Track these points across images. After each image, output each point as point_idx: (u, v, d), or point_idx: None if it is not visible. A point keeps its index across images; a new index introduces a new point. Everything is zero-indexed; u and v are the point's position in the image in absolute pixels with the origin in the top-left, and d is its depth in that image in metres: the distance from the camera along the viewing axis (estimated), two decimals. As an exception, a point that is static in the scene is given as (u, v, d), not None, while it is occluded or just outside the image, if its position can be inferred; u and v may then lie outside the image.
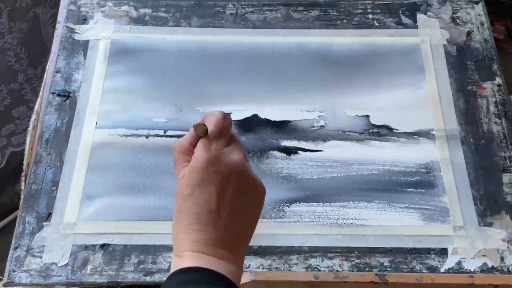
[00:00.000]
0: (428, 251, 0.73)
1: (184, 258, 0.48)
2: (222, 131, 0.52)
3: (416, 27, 0.93)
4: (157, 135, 0.83)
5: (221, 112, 0.53)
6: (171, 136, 0.83)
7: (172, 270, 0.48)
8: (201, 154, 0.50)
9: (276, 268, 0.72)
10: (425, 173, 0.79)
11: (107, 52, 0.90)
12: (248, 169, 0.52)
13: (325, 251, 0.73)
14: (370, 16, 0.94)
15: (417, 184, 0.79)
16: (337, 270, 0.72)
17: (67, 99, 0.86)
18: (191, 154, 0.51)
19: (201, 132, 0.51)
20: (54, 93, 0.86)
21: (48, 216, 0.76)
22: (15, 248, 0.74)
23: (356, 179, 0.79)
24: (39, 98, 0.88)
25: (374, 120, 0.84)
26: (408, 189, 0.78)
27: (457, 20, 0.94)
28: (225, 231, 0.49)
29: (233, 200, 0.50)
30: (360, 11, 0.95)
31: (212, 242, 0.49)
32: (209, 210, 0.49)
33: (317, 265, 0.72)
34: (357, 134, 0.83)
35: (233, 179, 0.50)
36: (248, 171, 0.52)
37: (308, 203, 0.77)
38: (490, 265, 0.72)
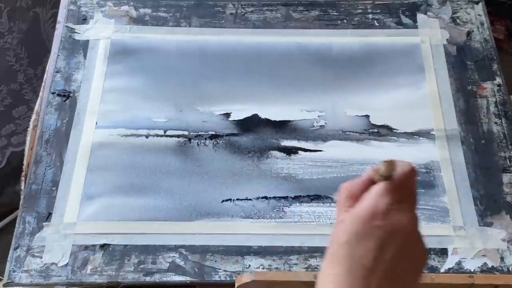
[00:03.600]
0: (428, 251, 0.73)
1: None
2: (405, 183, 0.46)
3: (416, 27, 0.93)
4: (157, 135, 0.83)
5: (411, 164, 0.47)
6: (171, 136, 0.83)
7: None
8: (369, 203, 0.45)
9: (276, 268, 0.72)
10: (425, 173, 0.79)
11: (107, 52, 0.90)
12: (418, 232, 0.47)
13: (325, 251, 0.73)
14: (370, 16, 0.94)
15: (417, 184, 0.78)
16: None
17: (67, 99, 0.86)
18: (357, 199, 0.46)
19: (386, 171, 0.45)
20: (54, 93, 0.86)
21: (48, 216, 0.76)
22: (15, 248, 0.73)
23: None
24: (39, 98, 0.88)
25: (374, 120, 0.84)
26: (408, 189, 0.78)
27: (457, 20, 0.94)
28: None
29: (392, 262, 0.44)
30: (360, 11, 0.95)
31: None
32: (363, 265, 0.44)
33: (317, 265, 0.72)
34: (357, 134, 0.83)
35: (397, 239, 0.45)
36: (417, 235, 0.47)
37: (308, 203, 0.77)
38: (490, 265, 0.72)
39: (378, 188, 0.45)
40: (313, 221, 0.76)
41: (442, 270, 0.72)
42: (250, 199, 0.77)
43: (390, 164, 0.45)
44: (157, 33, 0.92)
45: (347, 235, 0.45)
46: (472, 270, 0.72)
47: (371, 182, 0.46)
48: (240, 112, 0.85)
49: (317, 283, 0.46)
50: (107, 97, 0.86)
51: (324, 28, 0.93)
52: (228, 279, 0.71)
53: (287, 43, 0.91)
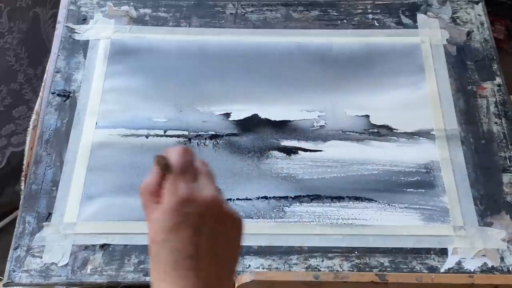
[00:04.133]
0: (428, 251, 0.73)
1: None
2: (185, 166, 0.48)
3: (416, 27, 0.93)
4: (157, 135, 0.83)
5: (180, 146, 0.50)
6: (171, 136, 0.83)
7: None
8: (171, 196, 0.47)
9: (276, 268, 0.72)
10: (425, 173, 0.79)
11: (107, 52, 0.90)
12: (224, 203, 0.48)
13: (325, 251, 0.73)
14: (370, 16, 0.94)
15: (417, 184, 0.79)
16: (337, 270, 0.72)
17: (67, 99, 0.86)
18: (160, 194, 0.48)
19: (162, 166, 0.48)
20: (54, 93, 0.86)
21: (48, 216, 0.76)
22: (15, 248, 0.73)
23: (356, 179, 0.79)
24: (39, 98, 0.88)
25: (374, 120, 0.84)
26: (408, 189, 0.78)
27: (457, 20, 0.94)
28: (207, 276, 0.46)
29: (211, 240, 0.47)
30: (360, 11, 0.95)
31: (194, 286, 0.45)
32: (187, 255, 0.46)
33: (317, 265, 0.72)
34: (357, 134, 0.83)
35: (209, 216, 0.47)
36: (224, 206, 0.48)
37: (308, 203, 0.77)
38: (490, 265, 0.72)
39: (171, 181, 0.47)
40: (313, 221, 0.76)
41: (442, 270, 0.72)
42: (250, 199, 0.77)
43: (161, 159, 0.47)
44: (157, 33, 0.92)
45: (164, 232, 0.46)
46: (472, 270, 0.72)
47: (164, 175, 0.48)
48: (240, 112, 0.85)
49: (151, 285, 0.47)
50: (107, 97, 0.86)
51: (324, 28, 0.93)
52: (228, 279, 0.71)
53: (287, 43, 0.91)
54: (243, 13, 0.95)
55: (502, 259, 0.73)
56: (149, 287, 0.71)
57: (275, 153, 0.82)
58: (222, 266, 0.48)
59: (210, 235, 0.47)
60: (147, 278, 0.71)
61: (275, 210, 0.76)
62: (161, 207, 0.47)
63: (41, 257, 0.73)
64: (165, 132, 0.83)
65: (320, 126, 0.84)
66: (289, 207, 0.77)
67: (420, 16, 0.94)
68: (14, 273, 0.72)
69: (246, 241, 0.73)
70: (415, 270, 0.72)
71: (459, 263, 0.72)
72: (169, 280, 0.46)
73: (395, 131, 0.84)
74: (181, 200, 0.46)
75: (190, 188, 0.47)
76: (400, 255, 0.73)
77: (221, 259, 0.48)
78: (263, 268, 0.72)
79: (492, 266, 0.72)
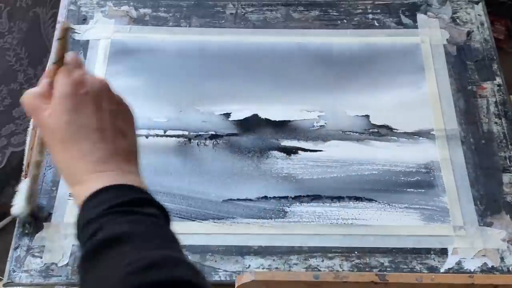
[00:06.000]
0: (428, 251, 0.73)
1: (87, 183, 0.47)
2: (78, 63, 0.53)
3: (416, 27, 0.93)
4: (157, 135, 0.83)
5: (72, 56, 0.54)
6: (171, 136, 0.83)
7: (79, 198, 0.47)
8: (65, 80, 0.51)
9: (276, 268, 0.72)
10: (425, 173, 0.79)
11: (107, 52, 0.90)
12: (112, 90, 0.53)
13: (325, 251, 0.73)
14: (370, 16, 0.94)
15: (417, 184, 0.79)
16: (337, 270, 0.72)
17: (67, 99, 0.86)
18: (49, 96, 0.51)
19: (56, 56, 0.53)
20: (54, 93, 0.86)
21: (48, 216, 0.76)
22: (15, 248, 0.73)
23: (356, 179, 0.79)
24: (39, 98, 0.87)
25: (374, 120, 0.84)
26: (408, 189, 0.78)
27: (457, 20, 0.94)
28: (115, 145, 0.50)
29: (112, 117, 0.51)
30: (360, 11, 0.95)
31: (108, 157, 0.49)
32: (94, 129, 0.49)
33: (317, 265, 0.72)
34: (357, 134, 0.83)
35: (104, 96, 0.51)
36: (114, 90, 0.53)
37: (308, 203, 0.77)
38: (490, 265, 0.72)
39: (64, 68, 0.52)
40: (313, 221, 0.76)
41: (442, 270, 0.72)
42: (250, 199, 0.77)
43: (59, 49, 0.53)
44: (157, 33, 0.92)
45: (66, 114, 0.49)
46: (472, 270, 0.72)
47: (51, 83, 0.52)
48: (240, 112, 0.85)
49: (63, 175, 0.51)
50: (107, 97, 0.86)
51: (324, 28, 0.93)
52: (228, 279, 0.71)
53: (287, 43, 0.91)
54: (243, 13, 0.95)
55: (502, 259, 0.73)
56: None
57: (275, 153, 0.82)
58: (125, 137, 0.51)
59: (110, 110, 0.51)
60: (147, 278, 0.71)
61: (275, 210, 0.76)
62: (54, 100, 0.50)
63: (41, 257, 0.73)
64: (165, 132, 0.83)
65: (320, 126, 0.84)
66: (289, 207, 0.77)
67: (420, 16, 0.94)
68: (14, 273, 0.72)
69: (246, 241, 0.74)
70: (415, 270, 0.72)
71: (459, 263, 0.72)
72: (82, 155, 0.48)
73: (395, 131, 0.84)
74: (74, 82, 0.50)
75: (80, 73, 0.51)
76: (400, 255, 0.73)
77: (122, 131, 0.51)
78: (263, 268, 0.72)
79: (492, 266, 0.72)
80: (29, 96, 0.52)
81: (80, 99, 0.50)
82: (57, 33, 0.53)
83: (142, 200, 0.47)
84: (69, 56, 0.53)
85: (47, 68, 0.56)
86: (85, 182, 0.47)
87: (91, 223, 0.44)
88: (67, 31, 0.54)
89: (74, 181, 0.49)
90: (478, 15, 0.94)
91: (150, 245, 0.43)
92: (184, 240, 0.73)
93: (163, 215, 0.47)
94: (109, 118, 0.50)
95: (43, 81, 0.53)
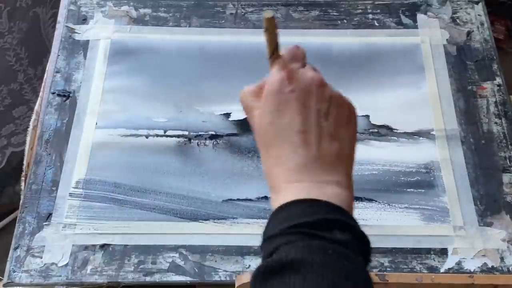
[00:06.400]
0: (428, 251, 0.73)
1: (281, 193, 0.43)
2: (296, 55, 0.47)
3: (416, 27, 0.93)
4: (157, 135, 0.83)
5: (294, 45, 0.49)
6: (171, 136, 0.83)
7: (274, 208, 0.43)
8: (273, 76, 0.45)
9: (276, 268, 0.72)
10: (425, 173, 0.79)
11: (107, 52, 0.90)
12: (329, 85, 0.46)
13: (325, 251, 0.73)
14: (370, 16, 0.94)
15: (417, 184, 0.79)
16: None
17: (67, 99, 0.86)
18: (260, 94, 0.46)
19: (269, 21, 0.46)
20: (54, 93, 0.86)
21: (48, 216, 0.76)
22: (15, 248, 0.73)
23: (356, 179, 0.78)
24: (39, 98, 0.88)
25: (374, 120, 0.84)
26: (408, 189, 0.78)
27: (457, 20, 0.94)
28: (318, 149, 0.43)
29: (320, 115, 0.44)
30: (360, 11, 0.95)
31: (306, 164, 0.43)
32: (297, 131, 0.43)
33: (317, 265, 0.72)
34: (357, 134, 0.83)
35: (314, 93, 0.45)
36: (330, 87, 0.46)
37: (308, 203, 0.77)
38: (490, 265, 0.72)
39: (276, 64, 0.47)
40: (313, 221, 0.76)
41: (442, 270, 0.72)
42: (250, 199, 0.77)
43: (268, 41, 0.48)
44: (157, 33, 0.92)
45: (268, 115, 0.45)
46: (472, 270, 0.72)
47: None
48: (240, 112, 0.85)
49: (266, 180, 0.46)
50: (107, 97, 0.86)
51: (324, 28, 0.93)
52: (228, 279, 0.71)
53: (287, 43, 0.91)
54: (243, 13, 0.95)
55: (502, 259, 0.73)
56: (149, 287, 0.72)
57: (275, 153, 0.81)
58: (337, 140, 0.45)
59: (318, 110, 0.44)
60: (147, 278, 0.71)
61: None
62: (264, 93, 0.45)
63: (41, 257, 0.73)
64: (165, 132, 0.83)
65: (320, 126, 0.84)
66: (289, 207, 0.77)
67: (420, 16, 0.94)
68: (14, 273, 0.72)
69: (246, 241, 0.74)
70: (415, 270, 0.72)
71: (459, 263, 0.72)
72: (280, 161, 0.44)
73: (395, 131, 0.84)
74: (284, 78, 0.45)
75: (293, 68, 0.46)
76: (400, 255, 0.73)
77: (334, 134, 0.45)
78: (263, 268, 0.72)
79: (492, 266, 0.72)
80: (242, 94, 0.48)
81: (285, 98, 0.44)
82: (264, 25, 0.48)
83: (332, 222, 0.40)
84: (286, 49, 0.48)
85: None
86: (280, 191, 0.43)
87: (271, 240, 0.40)
88: (271, 21, 0.48)
89: (272, 189, 0.45)
90: (478, 15, 0.94)
91: (322, 279, 0.37)
92: (184, 240, 0.74)
93: (356, 243, 0.40)
94: (315, 118, 0.44)
95: (255, 84, 0.48)
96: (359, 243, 0.40)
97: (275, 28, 0.47)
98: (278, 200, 0.43)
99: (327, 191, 0.42)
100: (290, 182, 0.43)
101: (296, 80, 0.45)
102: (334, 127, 0.45)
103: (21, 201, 0.78)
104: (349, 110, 0.47)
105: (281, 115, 0.44)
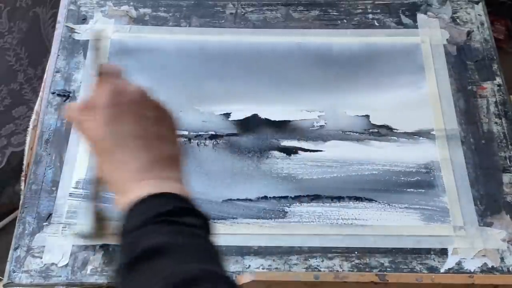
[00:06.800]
0: (428, 251, 0.73)
1: (129, 192, 0.47)
2: (115, 71, 0.53)
3: (416, 27, 0.93)
4: (157, 135, 0.83)
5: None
6: (171, 136, 0.83)
7: (122, 209, 0.47)
8: (102, 90, 0.50)
9: (276, 268, 0.72)
10: (425, 173, 0.79)
11: (107, 52, 0.90)
12: (151, 97, 0.52)
13: (325, 251, 0.73)
14: (370, 16, 0.94)
15: (417, 184, 0.79)
16: (337, 270, 0.72)
17: (67, 99, 0.86)
18: (89, 108, 0.51)
19: (100, 70, 0.53)
20: (54, 93, 0.86)
21: (48, 216, 0.76)
22: (15, 249, 0.73)
23: (356, 179, 0.79)
24: (39, 98, 0.88)
25: (374, 120, 0.84)
26: (408, 189, 0.78)
27: (457, 20, 0.94)
28: (156, 152, 0.49)
29: (153, 121, 0.50)
30: (360, 11, 0.95)
31: (148, 166, 0.48)
32: (135, 136, 0.49)
33: (317, 265, 0.72)
34: (357, 134, 0.83)
35: (145, 104, 0.51)
36: (153, 99, 0.52)
37: (308, 203, 0.77)
38: (490, 265, 0.72)
39: (101, 79, 0.52)
40: (313, 221, 0.76)
41: (442, 270, 0.72)
42: (250, 199, 0.77)
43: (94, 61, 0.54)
44: (157, 33, 0.92)
45: (104, 127, 0.49)
46: (472, 270, 0.72)
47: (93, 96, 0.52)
48: (240, 112, 0.85)
49: (109, 186, 0.51)
50: (107, 97, 0.86)
51: (324, 28, 0.93)
52: (228, 279, 0.71)
53: (287, 43, 0.91)
54: (243, 13, 0.95)
55: (502, 259, 0.73)
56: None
57: (275, 153, 0.82)
58: (168, 144, 0.51)
59: (152, 119, 0.50)
60: (147, 278, 0.71)
61: (275, 210, 0.76)
62: (94, 112, 0.50)
63: (41, 258, 0.73)
64: (165, 132, 0.83)
65: (320, 126, 0.84)
66: (289, 207, 0.77)
67: (420, 16, 0.94)
68: (14, 274, 0.72)
69: (246, 241, 0.74)
70: (415, 270, 0.72)
71: (459, 263, 0.72)
72: (124, 163, 0.48)
73: (395, 131, 0.84)
74: (114, 90, 0.50)
75: (118, 83, 0.51)
76: (400, 255, 0.73)
77: (165, 138, 0.51)
78: (263, 268, 0.72)
79: (492, 266, 0.72)
80: (70, 110, 0.52)
81: (119, 109, 0.49)
82: (91, 44, 0.55)
83: (182, 209, 0.46)
84: (105, 67, 0.53)
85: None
86: (127, 191, 0.47)
87: (131, 233, 0.44)
88: (98, 41, 0.55)
89: (117, 190, 0.49)
90: (478, 15, 0.94)
91: (189, 258, 0.42)
92: (184, 240, 0.74)
93: (204, 225, 0.47)
94: (151, 125, 0.50)
95: (81, 100, 0.53)
96: (205, 223, 0.47)
97: (101, 48, 0.54)
98: (127, 197, 0.47)
99: (171, 186, 0.48)
100: (136, 181, 0.47)
101: (127, 93, 0.50)
102: (166, 132, 0.51)
103: (21, 201, 0.78)
104: (172, 117, 0.53)
105: (118, 124, 0.49)
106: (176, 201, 0.46)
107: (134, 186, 0.47)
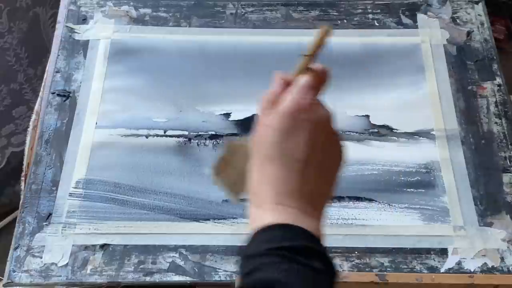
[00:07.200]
0: (428, 251, 0.73)
1: (266, 211, 0.44)
2: (321, 81, 0.49)
3: (416, 27, 0.93)
4: (157, 135, 0.83)
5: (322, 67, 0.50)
6: (171, 136, 0.83)
7: (253, 222, 0.44)
8: (293, 98, 0.46)
9: (276, 268, 0.72)
10: (425, 173, 0.79)
11: (107, 52, 0.90)
12: (334, 126, 0.48)
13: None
14: (370, 16, 0.94)
15: (417, 184, 0.79)
16: (337, 270, 0.72)
17: (67, 99, 0.86)
18: (277, 103, 0.48)
19: (323, 35, 0.50)
20: (54, 93, 0.86)
21: (48, 216, 0.76)
22: (15, 248, 0.73)
23: (356, 179, 0.79)
24: (39, 98, 0.88)
25: (374, 120, 0.84)
26: (408, 189, 0.78)
27: (457, 20, 0.94)
28: (310, 184, 0.45)
29: (322, 152, 0.46)
30: (360, 11, 0.95)
31: (296, 194, 0.44)
32: (297, 159, 0.45)
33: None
34: (357, 134, 0.83)
35: (324, 130, 0.46)
36: (335, 128, 0.48)
37: (308, 203, 0.77)
38: (490, 265, 0.72)
39: (300, 83, 0.48)
40: (313, 221, 0.76)
41: (442, 270, 0.72)
42: (250, 199, 0.77)
43: (324, 30, 0.50)
44: (157, 33, 0.92)
45: (277, 134, 0.45)
46: (472, 270, 0.72)
47: (286, 84, 0.49)
48: (240, 112, 0.85)
49: (250, 190, 0.47)
50: (107, 97, 0.86)
51: (324, 28, 0.93)
52: (228, 279, 0.71)
53: (287, 43, 0.91)
54: (243, 13, 0.95)
55: (502, 259, 0.73)
56: (149, 287, 0.72)
57: (275, 153, 0.81)
58: (325, 179, 0.47)
59: (322, 147, 0.46)
60: (147, 278, 0.71)
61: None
62: (277, 111, 0.47)
63: (41, 257, 0.73)
64: (165, 132, 0.83)
65: (320, 126, 0.84)
66: (289, 207, 0.77)
67: (420, 16, 0.94)
68: (14, 273, 0.72)
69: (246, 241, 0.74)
70: (415, 270, 0.72)
71: (459, 263, 0.72)
72: (274, 181, 0.45)
73: (395, 131, 0.84)
74: (302, 105, 0.46)
75: (310, 99, 0.47)
76: (400, 255, 0.73)
77: (326, 172, 0.47)
78: (263, 268, 0.72)
79: (492, 266, 0.72)
80: (262, 99, 0.50)
81: (299, 124, 0.45)
82: (316, 34, 0.51)
83: (311, 250, 0.43)
84: (319, 66, 0.50)
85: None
86: (265, 209, 0.45)
87: (254, 258, 0.42)
88: (326, 33, 0.52)
89: (255, 202, 0.46)
90: (478, 15, 0.94)
91: None
92: (184, 240, 0.74)
93: (328, 272, 0.44)
94: (319, 153, 0.46)
95: (276, 86, 0.49)
96: (330, 271, 0.44)
97: (324, 41, 0.51)
98: (260, 216, 0.44)
99: (310, 222, 0.44)
100: (277, 204, 0.44)
101: (312, 111, 0.46)
102: (329, 164, 0.47)
103: (21, 201, 0.78)
104: (343, 154, 0.49)
105: (290, 138, 0.45)
106: (306, 239, 0.43)
107: (272, 208, 0.44)
